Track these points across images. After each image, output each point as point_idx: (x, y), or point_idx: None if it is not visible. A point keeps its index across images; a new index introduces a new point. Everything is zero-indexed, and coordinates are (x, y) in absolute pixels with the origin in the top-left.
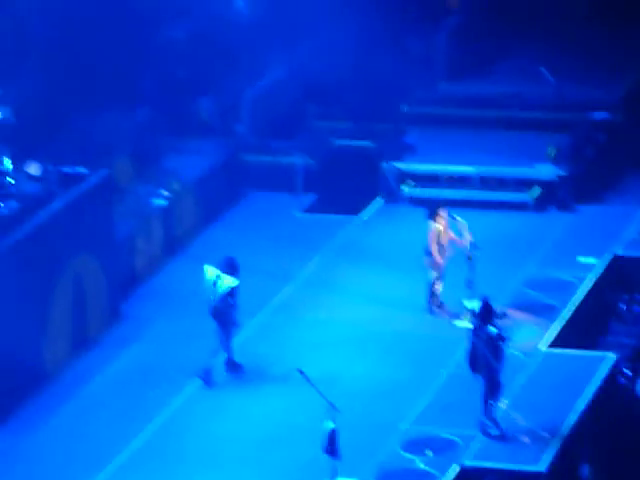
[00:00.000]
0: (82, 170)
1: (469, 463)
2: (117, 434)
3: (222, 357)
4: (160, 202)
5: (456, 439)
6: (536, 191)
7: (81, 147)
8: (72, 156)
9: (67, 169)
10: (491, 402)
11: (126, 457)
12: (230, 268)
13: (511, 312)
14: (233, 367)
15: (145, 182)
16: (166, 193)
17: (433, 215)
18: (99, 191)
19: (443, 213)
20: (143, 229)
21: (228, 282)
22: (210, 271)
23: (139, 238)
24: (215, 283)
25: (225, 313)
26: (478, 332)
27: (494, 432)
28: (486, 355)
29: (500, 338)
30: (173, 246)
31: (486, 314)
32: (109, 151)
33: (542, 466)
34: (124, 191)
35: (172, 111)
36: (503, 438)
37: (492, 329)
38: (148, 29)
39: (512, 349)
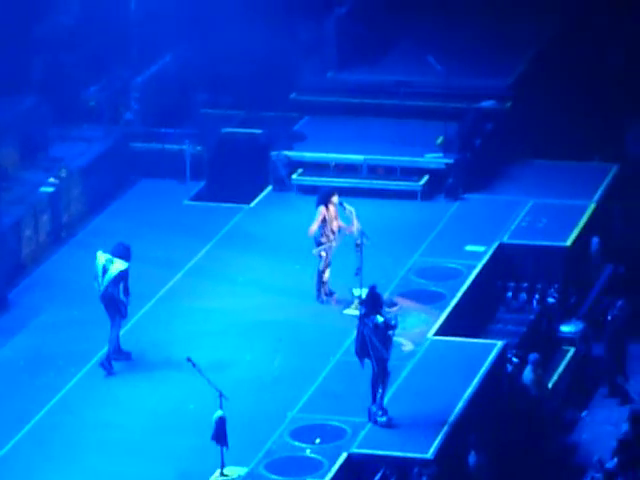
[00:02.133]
0: None
1: (357, 451)
2: (2, 424)
3: (110, 344)
4: (47, 189)
5: (344, 427)
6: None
7: None
8: None
9: None
10: (379, 390)
11: (12, 447)
12: (122, 253)
13: (399, 300)
14: (120, 355)
15: (32, 169)
16: (53, 180)
17: (322, 201)
18: None
19: (334, 200)
20: (30, 217)
21: (118, 266)
22: (101, 257)
23: (26, 226)
24: (105, 268)
25: (115, 298)
26: (365, 320)
27: (382, 420)
28: (373, 343)
29: (387, 326)
30: (60, 234)
31: (373, 302)
32: None
33: (429, 453)
34: (11, 178)
35: (60, 98)
36: (391, 425)
37: (379, 317)
38: (36, 14)
39: (399, 337)
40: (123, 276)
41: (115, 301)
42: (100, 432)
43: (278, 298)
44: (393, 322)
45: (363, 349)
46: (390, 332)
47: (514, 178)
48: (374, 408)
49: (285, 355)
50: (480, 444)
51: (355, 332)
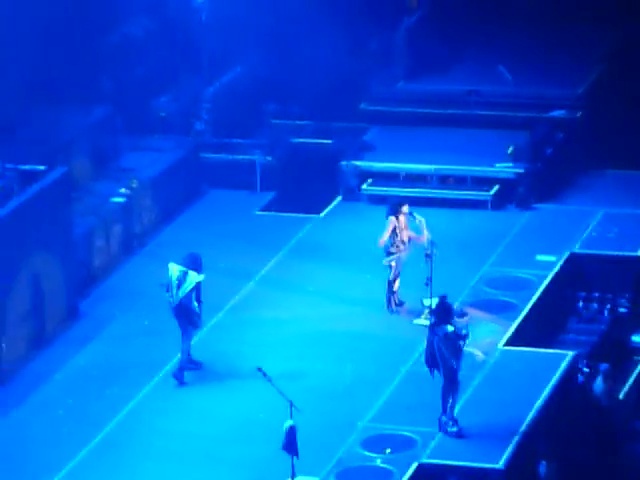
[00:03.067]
0: (40, 168)
1: (428, 461)
2: (77, 433)
3: (183, 355)
4: (118, 200)
5: (415, 437)
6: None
7: (39, 145)
8: (30, 154)
9: (25, 167)
10: (449, 400)
11: (86, 456)
12: (194, 264)
13: (470, 310)
14: (192, 364)
15: (103, 180)
16: (124, 191)
17: (392, 212)
18: (57, 189)
19: (404, 210)
20: (101, 227)
21: (194, 278)
22: (174, 268)
23: (97, 236)
24: (180, 280)
25: (189, 309)
26: (435, 330)
27: (453, 430)
28: (443, 353)
29: (458, 336)
30: (131, 244)
31: (444, 312)
32: (67, 149)
33: (500, 463)
34: (82, 189)
35: (131, 109)
36: (461, 436)
37: (449, 327)
38: (107, 26)
39: (470, 347)
40: (197, 287)
41: (189, 312)
42: (170, 442)
43: (348, 308)
44: (464, 332)
45: (433, 359)
46: (460, 342)
47: (585, 188)
48: (444, 418)
49: (356, 365)
50: (551, 454)
51: (425, 342)
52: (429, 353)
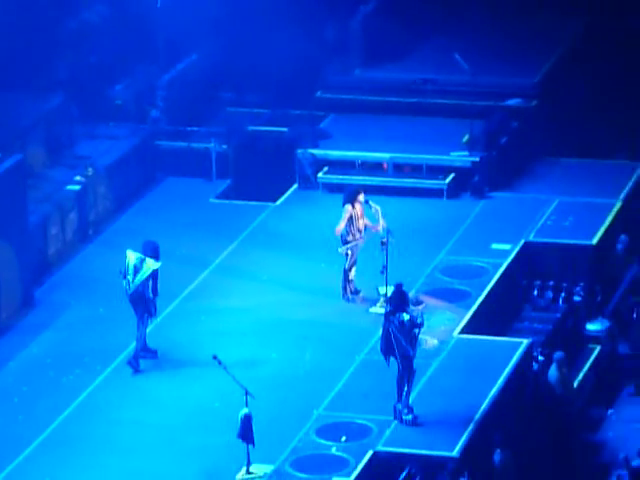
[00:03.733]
0: None
1: (383, 449)
2: (30, 421)
3: (138, 343)
4: (74, 187)
5: (370, 425)
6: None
7: None
8: None
9: None
10: (405, 388)
11: (41, 444)
12: (152, 252)
13: (425, 298)
14: (147, 353)
15: (59, 167)
16: (80, 178)
17: (349, 200)
18: (12, 176)
19: (360, 198)
20: (56, 215)
21: (151, 265)
22: (132, 256)
23: (52, 224)
24: (137, 267)
25: (145, 297)
26: (391, 318)
27: (408, 417)
28: (399, 341)
29: (413, 324)
30: (87, 232)
31: (399, 300)
32: (23, 136)
33: (455, 451)
34: (37, 176)
35: (86, 96)
36: (417, 423)
37: (405, 315)
38: (62, 12)
39: (425, 335)
40: (154, 275)
41: (145, 300)
42: (126, 430)
43: (304, 296)
44: (419, 320)
45: (389, 347)
46: (416, 330)
47: (540, 176)
48: (400, 406)
49: (311, 353)
50: (505, 442)
51: (381, 330)
52: (384, 341)
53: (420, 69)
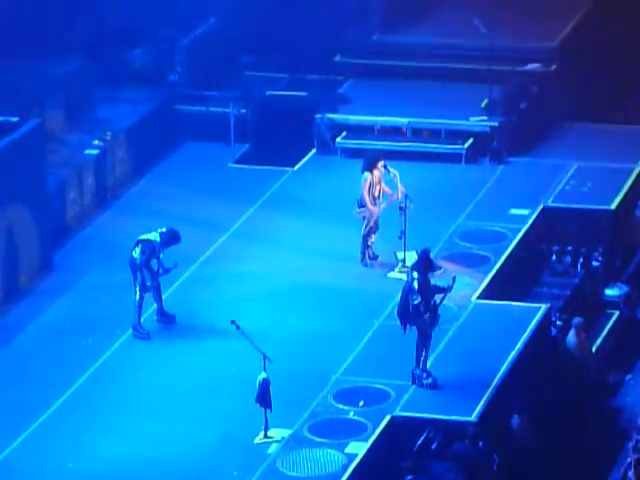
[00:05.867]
0: (13, 119)
1: (400, 414)
2: (49, 384)
3: (153, 307)
4: (92, 152)
5: (388, 390)
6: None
7: (12, 96)
8: (4, 105)
9: None
10: (423, 353)
11: (58, 408)
12: (168, 241)
13: (443, 263)
14: (164, 317)
15: (77, 132)
16: (98, 143)
17: (368, 166)
18: (30, 140)
19: (379, 165)
20: (75, 179)
21: (146, 236)
22: (151, 235)
23: (71, 188)
24: (144, 246)
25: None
26: (422, 283)
27: (428, 381)
28: (419, 307)
29: (439, 290)
30: (105, 196)
31: (426, 265)
32: (41, 100)
33: (473, 416)
34: (56, 141)
35: (105, 60)
36: (436, 387)
37: (431, 281)
38: None
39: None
40: (148, 247)
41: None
42: (144, 394)
43: (322, 261)
44: (446, 285)
45: (407, 312)
46: (440, 295)
47: (559, 141)
48: (418, 371)
49: (329, 318)
50: (523, 407)
51: (401, 295)
52: (403, 306)
53: (439, 34)
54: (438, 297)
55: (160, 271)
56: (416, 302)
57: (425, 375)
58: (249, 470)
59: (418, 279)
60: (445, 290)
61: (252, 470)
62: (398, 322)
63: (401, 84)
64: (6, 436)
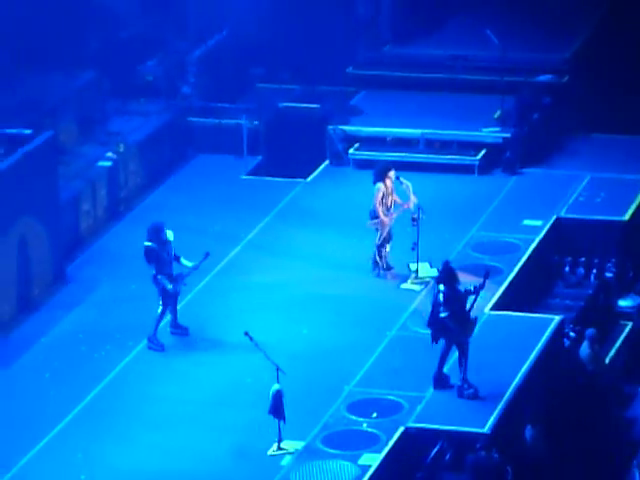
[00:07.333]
0: (27, 132)
1: (414, 425)
2: (63, 396)
3: (167, 319)
4: (105, 164)
5: (401, 401)
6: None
7: (25, 109)
8: (17, 118)
9: (12, 131)
10: (463, 364)
11: (72, 420)
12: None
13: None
14: (177, 329)
15: (90, 144)
16: (111, 155)
17: (379, 177)
18: (43, 153)
19: (390, 175)
20: (88, 191)
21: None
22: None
23: (84, 200)
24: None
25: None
26: (448, 294)
27: (469, 392)
28: (452, 319)
29: (471, 292)
30: (118, 208)
31: (448, 277)
32: (54, 112)
33: (486, 428)
34: (69, 153)
35: (117, 72)
36: (476, 398)
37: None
38: None
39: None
40: (147, 254)
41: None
42: (157, 405)
43: (335, 272)
44: (473, 288)
45: (436, 324)
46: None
47: (572, 152)
48: (459, 382)
49: (342, 329)
50: (537, 418)
51: (430, 307)
52: (433, 317)
53: (451, 45)
54: (470, 300)
55: (185, 271)
56: (442, 315)
57: (467, 386)
58: None
59: (443, 292)
60: (477, 290)
61: None
62: (429, 332)
63: (413, 95)
64: (20, 448)
